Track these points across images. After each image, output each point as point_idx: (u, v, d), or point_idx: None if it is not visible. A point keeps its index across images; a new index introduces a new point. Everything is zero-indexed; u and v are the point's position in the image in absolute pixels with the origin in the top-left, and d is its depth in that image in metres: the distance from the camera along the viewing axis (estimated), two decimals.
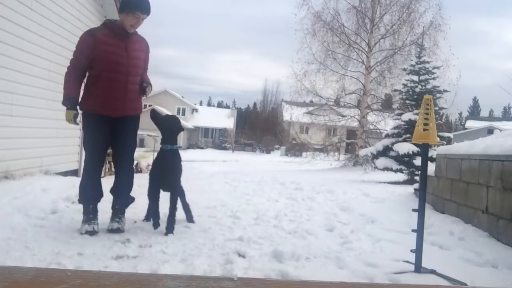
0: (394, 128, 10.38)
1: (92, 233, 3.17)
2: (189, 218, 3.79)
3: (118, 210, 3.41)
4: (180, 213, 3.56)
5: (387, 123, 15.60)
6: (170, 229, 3.32)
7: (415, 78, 10.39)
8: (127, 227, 3.40)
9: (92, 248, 2.81)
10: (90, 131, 3.34)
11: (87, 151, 3.38)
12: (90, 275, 1.03)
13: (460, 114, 55.84)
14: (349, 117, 17.50)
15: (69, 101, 3.25)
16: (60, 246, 2.82)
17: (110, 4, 7.88)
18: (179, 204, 3.60)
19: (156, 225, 3.44)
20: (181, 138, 39.65)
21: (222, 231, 3.50)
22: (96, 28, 3.44)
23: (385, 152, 9.92)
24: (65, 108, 3.26)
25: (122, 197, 3.48)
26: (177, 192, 3.57)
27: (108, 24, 3.34)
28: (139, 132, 3.58)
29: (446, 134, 10.35)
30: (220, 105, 67.28)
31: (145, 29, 3.57)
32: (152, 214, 3.59)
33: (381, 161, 9.81)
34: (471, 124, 42.09)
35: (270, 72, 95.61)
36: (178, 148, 3.55)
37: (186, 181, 5.30)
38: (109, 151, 3.55)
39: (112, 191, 3.49)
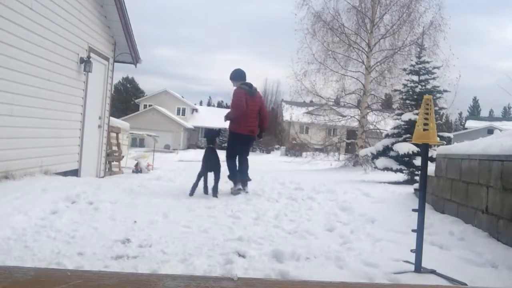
0: (394, 128, 10.36)
1: (238, 191, 5.76)
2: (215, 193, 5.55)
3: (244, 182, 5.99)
4: (179, 216, 3.57)
5: (387, 123, 15.57)
6: (215, 194, 5.53)
7: (415, 78, 10.37)
8: (129, 226, 3.42)
9: (92, 248, 2.81)
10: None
11: None
12: (90, 275, 1.03)
13: (460, 114, 55.78)
14: (349, 117, 17.49)
15: None
16: (60, 246, 2.82)
17: (110, 4, 7.88)
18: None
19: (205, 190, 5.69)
20: (181, 138, 39.66)
21: (222, 231, 3.50)
22: None
23: (385, 152, 9.90)
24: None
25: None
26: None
27: None
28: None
29: (446, 134, 10.33)
30: (220, 105, 66.98)
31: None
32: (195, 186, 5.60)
33: (381, 161, 9.79)
34: (471, 124, 41.96)
35: (270, 72, 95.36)
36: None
37: (186, 181, 5.30)
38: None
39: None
